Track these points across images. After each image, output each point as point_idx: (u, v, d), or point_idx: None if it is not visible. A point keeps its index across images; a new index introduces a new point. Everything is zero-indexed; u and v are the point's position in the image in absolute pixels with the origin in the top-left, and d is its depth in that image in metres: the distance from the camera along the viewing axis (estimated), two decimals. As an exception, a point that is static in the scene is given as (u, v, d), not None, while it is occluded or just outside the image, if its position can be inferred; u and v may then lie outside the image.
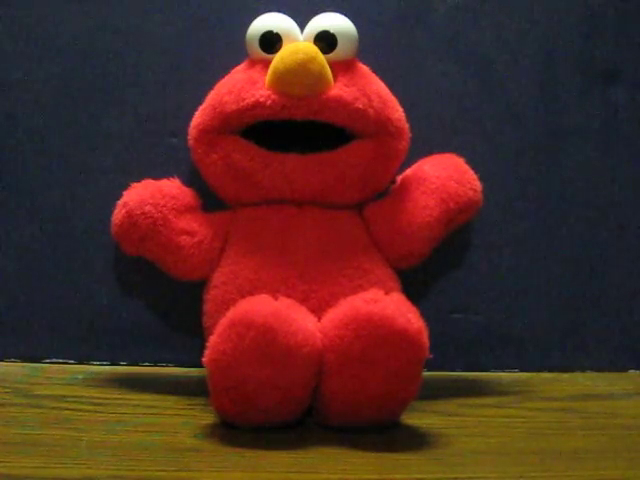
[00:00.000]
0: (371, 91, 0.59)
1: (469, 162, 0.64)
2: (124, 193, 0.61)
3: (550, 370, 0.71)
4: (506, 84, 0.71)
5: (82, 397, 0.59)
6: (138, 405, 0.58)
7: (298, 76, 0.56)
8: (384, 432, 0.53)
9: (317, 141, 0.59)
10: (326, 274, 0.58)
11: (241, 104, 0.58)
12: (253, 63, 0.60)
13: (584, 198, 0.72)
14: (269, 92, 0.57)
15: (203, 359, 0.50)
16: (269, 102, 0.57)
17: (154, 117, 0.69)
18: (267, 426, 0.52)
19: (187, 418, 0.55)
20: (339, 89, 0.57)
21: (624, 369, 0.72)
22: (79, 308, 0.68)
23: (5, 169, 0.69)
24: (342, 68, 0.59)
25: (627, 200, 0.72)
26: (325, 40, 0.58)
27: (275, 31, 0.59)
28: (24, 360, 0.68)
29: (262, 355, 0.49)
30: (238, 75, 0.60)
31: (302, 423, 0.53)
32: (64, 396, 0.59)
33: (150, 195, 0.61)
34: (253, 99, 0.57)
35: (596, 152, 0.72)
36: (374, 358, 0.49)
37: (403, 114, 0.61)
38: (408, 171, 0.64)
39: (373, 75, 0.61)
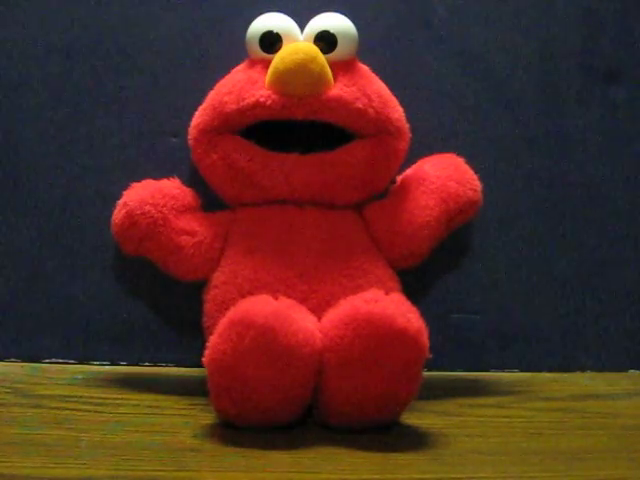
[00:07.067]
0: (371, 91, 0.59)
1: (469, 162, 0.64)
2: (124, 193, 0.61)
3: (550, 370, 0.71)
4: (506, 84, 0.71)
5: (82, 397, 0.59)
6: (138, 405, 0.58)
7: (298, 76, 0.56)
8: (384, 432, 0.53)
9: (317, 141, 0.59)
10: (326, 274, 0.58)
11: (241, 104, 0.58)
12: (253, 63, 0.60)
13: (584, 198, 0.72)
14: (269, 92, 0.57)
15: (203, 359, 0.50)
16: (269, 102, 0.57)
17: (154, 117, 0.68)
18: (267, 426, 0.52)
19: (187, 418, 0.55)
20: (339, 89, 0.57)
21: (624, 369, 0.71)
22: (79, 308, 0.68)
23: (5, 169, 0.68)
24: (342, 68, 0.59)
25: (627, 200, 0.72)
26: (325, 40, 0.58)
27: (275, 31, 0.59)
28: (24, 360, 0.68)
29: (262, 355, 0.49)
30: (238, 75, 0.60)
31: (302, 423, 0.53)
32: (64, 396, 0.59)
33: (150, 195, 0.61)
34: (253, 99, 0.57)
35: (596, 152, 0.72)
36: (374, 358, 0.49)
37: (403, 114, 0.61)
38: (408, 171, 0.64)
39: (373, 75, 0.61)
